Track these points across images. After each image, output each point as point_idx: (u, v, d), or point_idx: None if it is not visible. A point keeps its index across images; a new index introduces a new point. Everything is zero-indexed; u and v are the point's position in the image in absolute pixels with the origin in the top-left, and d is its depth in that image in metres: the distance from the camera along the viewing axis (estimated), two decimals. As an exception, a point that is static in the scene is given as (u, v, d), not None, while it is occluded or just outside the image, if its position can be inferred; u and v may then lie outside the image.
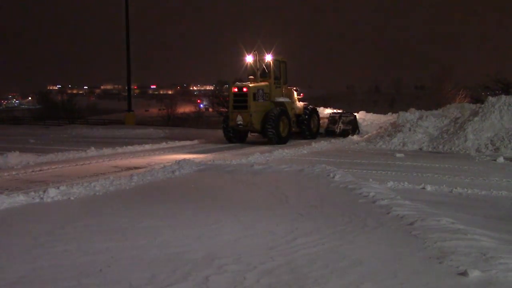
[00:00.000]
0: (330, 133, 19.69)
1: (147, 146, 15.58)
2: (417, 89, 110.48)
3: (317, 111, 20.04)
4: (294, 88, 19.59)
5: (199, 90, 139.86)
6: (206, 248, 4.58)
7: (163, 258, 4.30)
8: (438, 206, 6.68)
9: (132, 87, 36.19)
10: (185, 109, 66.63)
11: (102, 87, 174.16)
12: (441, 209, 6.43)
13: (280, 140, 16.88)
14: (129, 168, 10.84)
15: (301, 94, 20.23)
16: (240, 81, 18.86)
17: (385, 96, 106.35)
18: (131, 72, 29.62)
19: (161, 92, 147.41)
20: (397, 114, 19.00)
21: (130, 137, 20.98)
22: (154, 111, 72.55)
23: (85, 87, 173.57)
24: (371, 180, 8.70)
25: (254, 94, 16.92)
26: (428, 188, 8.33)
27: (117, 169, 10.80)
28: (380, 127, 18.60)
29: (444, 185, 8.54)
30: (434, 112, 18.29)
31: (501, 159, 12.09)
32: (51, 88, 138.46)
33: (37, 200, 6.96)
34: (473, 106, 17.90)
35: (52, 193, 7.13)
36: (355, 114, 20.85)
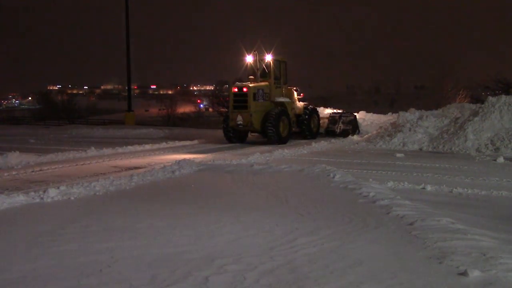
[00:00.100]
0: (330, 133, 19.69)
1: (147, 146, 15.59)
2: (417, 89, 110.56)
3: (317, 111, 20.04)
4: (294, 88, 19.59)
5: (199, 90, 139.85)
6: (206, 248, 4.58)
7: (163, 258, 4.30)
8: (438, 206, 6.68)
9: (132, 87, 36.18)
10: (185, 109, 66.64)
11: (102, 87, 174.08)
12: (441, 209, 6.43)
13: (280, 140, 16.89)
14: (129, 168, 10.84)
15: (301, 94, 20.24)
16: (240, 81, 18.87)
17: (385, 96, 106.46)
18: (131, 72, 29.67)
19: (161, 92, 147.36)
20: (397, 114, 19.01)
21: (130, 137, 20.99)
22: (154, 111, 72.51)
23: (85, 87, 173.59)
24: (371, 180, 8.71)
25: (254, 94, 16.92)
26: (428, 188, 8.34)
27: (117, 169, 10.80)
28: (380, 127, 18.60)
29: (444, 185, 8.54)
30: (434, 112, 18.31)
31: (501, 159, 12.09)
32: (51, 88, 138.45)
33: (37, 200, 6.96)
34: (473, 106, 17.92)
35: (52, 193, 7.13)
36: (355, 114, 20.85)
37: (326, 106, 23.65)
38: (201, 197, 7.21)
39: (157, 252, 4.46)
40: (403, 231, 5.06)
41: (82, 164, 11.54)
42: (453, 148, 14.57)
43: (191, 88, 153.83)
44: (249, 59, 18.02)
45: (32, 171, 10.35)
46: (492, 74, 30.94)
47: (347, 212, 5.97)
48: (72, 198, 7.12)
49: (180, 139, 18.20)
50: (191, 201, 6.93)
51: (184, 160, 10.45)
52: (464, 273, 3.73)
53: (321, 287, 3.60)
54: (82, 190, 7.58)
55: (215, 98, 48.24)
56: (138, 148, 15.17)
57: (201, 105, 74.75)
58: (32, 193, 7.24)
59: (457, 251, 4.28)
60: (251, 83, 17.28)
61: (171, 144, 16.76)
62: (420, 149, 15.13)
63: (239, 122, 16.96)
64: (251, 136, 18.29)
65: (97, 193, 7.50)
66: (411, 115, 17.68)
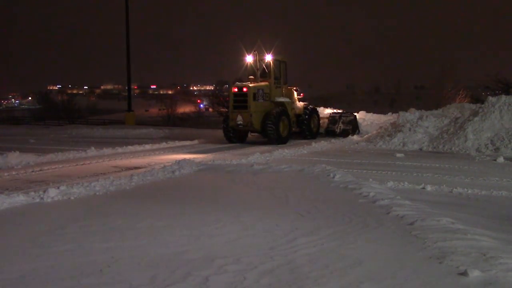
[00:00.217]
0: (330, 133, 19.69)
1: (147, 146, 15.59)
2: (417, 89, 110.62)
3: (317, 111, 20.04)
4: (294, 88, 19.59)
5: (199, 90, 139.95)
6: (206, 248, 4.58)
7: (163, 258, 4.30)
8: (438, 206, 6.68)
9: (132, 87, 36.20)
10: (185, 109, 66.65)
11: (102, 87, 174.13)
12: (441, 209, 6.43)
13: (280, 140, 16.89)
14: (129, 168, 10.84)
15: (301, 94, 20.24)
16: (240, 81, 18.86)
17: (385, 96, 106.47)
18: (131, 72, 29.68)
19: (161, 92, 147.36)
20: (397, 114, 19.01)
21: (130, 137, 20.99)
22: (154, 111, 72.58)
23: (85, 87, 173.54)
24: (371, 180, 8.71)
25: (254, 94, 16.92)
26: (428, 188, 8.34)
27: (117, 169, 10.80)
28: (380, 127, 18.60)
29: (444, 185, 8.54)
30: (434, 112, 18.31)
31: (501, 159, 12.09)
32: (51, 88, 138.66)
33: (37, 200, 6.96)
34: (473, 106, 17.92)
35: (52, 193, 7.13)
36: (355, 114, 20.85)
37: (326, 106, 23.65)
38: (201, 197, 7.21)
39: (157, 252, 4.46)
40: (403, 231, 5.05)
41: (82, 164, 11.54)
42: (453, 148, 14.57)
43: (191, 88, 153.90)
44: (249, 59, 18.02)
45: (32, 171, 10.35)
46: (492, 74, 30.89)
47: (347, 212, 5.97)
48: (72, 198, 7.12)
49: (180, 139, 18.21)
50: (191, 201, 6.93)
51: (184, 160, 10.45)
52: (464, 273, 3.73)
53: (321, 287, 3.60)
54: (82, 190, 7.58)
55: (215, 98, 48.20)
56: (138, 148, 15.17)
57: (201, 105, 74.77)
58: (32, 193, 7.24)
59: (457, 251, 4.28)
60: (251, 83, 17.28)
61: (171, 144, 16.76)
62: (420, 149, 15.13)
63: (239, 122, 16.96)
64: (251, 136, 18.29)
65: (97, 193, 7.50)
66: (411, 115, 17.68)
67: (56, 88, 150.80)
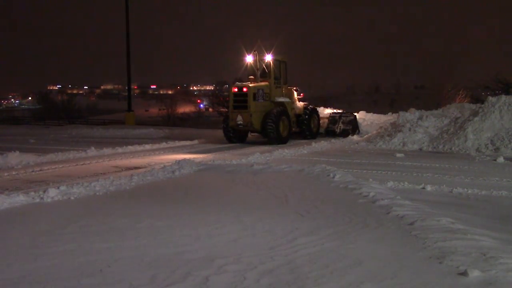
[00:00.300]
0: (330, 133, 19.69)
1: (147, 146, 15.59)
2: (417, 89, 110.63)
3: (317, 111, 20.03)
4: (294, 88, 19.59)
5: (199, 90, 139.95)
6: (206, 248, 4.58)
7: (163, 258, 4.30)
8: (438, 206, 6.68)
9: (132, 87, 36.19)
10: (185, 109, 66.66)
11: (102, 87, 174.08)
12: (441, 209, 6.43)
13: (280, 140, 16.89)
14: (129, 168, 10.84)
15: (301, 94, 20.24)
16: (240, 81, 18.87)
17: (385, 96, 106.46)
18: (131, 72, 29.67)
19: (161, 92, 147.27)
20: (397, 114, 19.00)
21: (130, 137, 20.99)
22: (154, 111, 72.55)
23: (85, 87, 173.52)
24: (371, 180, 8.71)
25: (254, 94, 16.92)
26: (428, 188, 8.33)
27: (117, 169, 10.80)
28: (380, 127, 18.60)
29: (444, 185, 8.54)
30: (434, 112, 18.30)
31: (501, 159, 12.09)
32: (51, 88, 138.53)
33: (37, 200, 6.96)
34: (473, 106, 17.92)
35: (52, 193, 7.13)
36: (355, 114, 20.85)
37: (326, 106, 23.66)
38: (201, 197, 7.21)
39: (157, 252, 4.47)
40: (403, 231, 5.06)
41: (82, 164, 11.54)
42: (453, 148, 14.57)
43: (191, 88, 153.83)
44: (249, 59, 18.01)
45: (32, 171, 10.35)
46: (492, 74, 30.87)
47: (347, 212, 5.97)
48: (72, 198, 7.12)
49: (180, 139, 18.21)
50: (191, 201, 6.93)
51: (184, 160, 10.45)
52: (464, 273, 3.73)
53: (321, 287, 3.60)
54: (82, 190, 7.58)
55: (215, 98, 48.24)
56: (138, 148, 15.17)
57: (201, 105, 74.78)
58: (32, 193, 7.24)
59: (457, 251, 4.28)
60: (251, 83, 17.28)
61: (171, 144, 16.76)
62: (420, 149, 15.12)
63: (239, 122, 16.96)
64: (251, 136, 18.28)
65: (97, 193, 7.50)
66: (411, 115, 17.68)
67: (56, 88, 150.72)
